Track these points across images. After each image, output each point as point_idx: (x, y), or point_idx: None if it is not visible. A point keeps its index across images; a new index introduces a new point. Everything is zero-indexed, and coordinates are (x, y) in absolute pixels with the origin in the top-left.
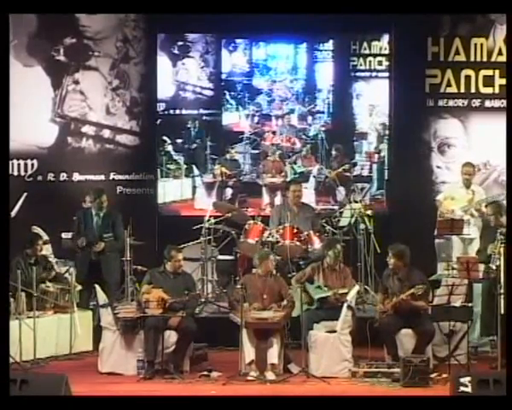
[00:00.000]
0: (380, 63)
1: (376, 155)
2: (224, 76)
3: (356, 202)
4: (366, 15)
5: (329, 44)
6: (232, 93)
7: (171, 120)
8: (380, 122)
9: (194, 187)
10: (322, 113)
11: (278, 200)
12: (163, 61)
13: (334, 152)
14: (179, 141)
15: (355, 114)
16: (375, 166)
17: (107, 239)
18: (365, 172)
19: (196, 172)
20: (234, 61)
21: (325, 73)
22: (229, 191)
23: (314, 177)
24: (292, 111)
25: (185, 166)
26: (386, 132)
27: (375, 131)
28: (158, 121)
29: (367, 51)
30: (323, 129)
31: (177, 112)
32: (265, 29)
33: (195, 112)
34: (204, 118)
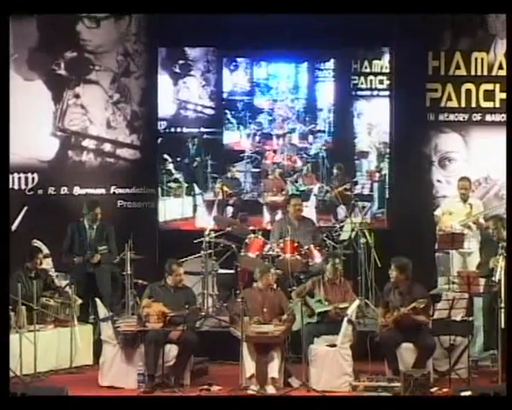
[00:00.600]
0: (381, 82)
1: (377, 174)
2: (225, 95)
3: (355, 215)
4: (366, 31)
5: (330, 64)
6: (233, 112)
7: (172, 139)
8: (380, 141)
9: (194, 205)
10: (323, 132)
11: (279, 217)
12: (164, 79)
13: (335, 171)
14: (180, 159)
15: (356, 133)
16: (375, 185)
17: (102, 251)
18: (366, 191)
19: (197, 190)
20: (235, 80)
21: (326, 93)
22: (229, 210)
23: (315, 195)
24: (293, 130)
25: (186, 184)
26: (387, 151)
27: (376, 149)
28: (159, 139)
29: (368, 70)
30: (324, 148)
31: (178, 130)
32: (266, 47)
33: (196, 130)
34: (205, 136)
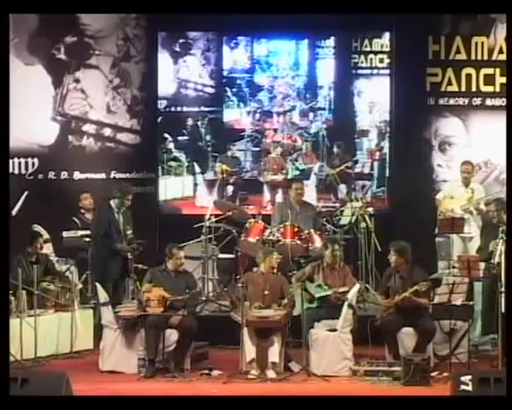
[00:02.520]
0: (381, 61)
1: (378, 153)
2: (225, 73)
3: (357, 200)
4: (366, 16)
5: (331, 41)
6: (233, 90)
7: (172, 118)
8: (381, 120)
9: (195, 184)
10: (324, 109)
11: (279, 197)
12: (164, 58)
13: (335, 149)
14: (180, 138)
15: (356, 112)
16: (376, 164)
17: (130, 237)
18: (366, 170)
19: (198, 169)
20: (235, 57)
21: (326, 70)
22: (230, 189)
23: (315, 174)
24: (293, 108)
25: (186, 163)
26: (388, 130)
27: (376, 128)
28: (159, 119)
29: (368, 49)
30: (324, 126)
31: (179, 109)
32: (266, 26)
33: (196, 109)
34: (205, 115)
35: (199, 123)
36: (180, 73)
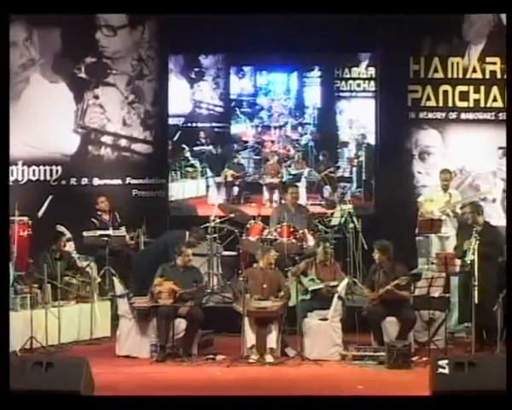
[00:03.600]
0: (358, 85)
1: (356, 160)
2: (233, 96)
3: (345, 203)
4: (352, 39)
5: (316, 72)
6: (240, 109)
7: (188, 131)
8: (358, 133)
9: (207, 186)
10: (310, 125)
11: (276, 196)
12: (182, 83)
13: (321, 157)
14: (195, 149)
15: (338, 127)
16: (354, 169)
17: None
18: (346, 174)
19: (209, 173)
20: (242, 84)
21: (313, 94)
22: (235, 190)
23: (305, 178)
24: (286, 123)
25: (200, 169)
26: (364, 141)
27: (355, 140)
28: (178, 132)
29: (347, 76)
30: (312, 139)
31: (194, 125)
32: (266, 59)
33: (208, 125)
34: (215, 129)
35: (210, 136)
36: (195, 95)
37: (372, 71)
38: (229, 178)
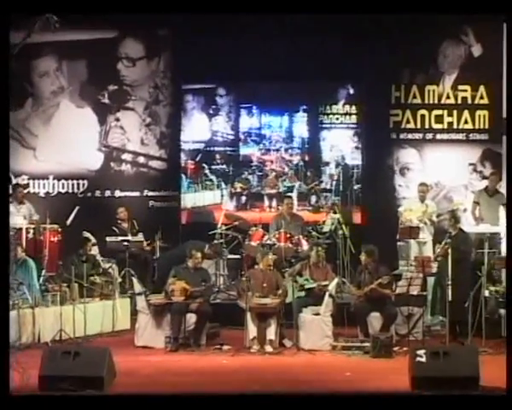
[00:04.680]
0: (337, 119)
1: (335, 176)
2: (242, 129)
3: (335, 212)
4: (343, 71)
5: (304, 112)
6: (247, 137)
7: (207, 154)
8: (337, 155)
9: (221, 195)
10: (300, 149)
11: (274, 203)
12: (203, 117)
13: (308, 174)
14: (213, 167)
15: (322, 151)
16: (334, 183)
17: None
18: (328, 187)
19: (223, 186)
20: (250, 120)
21: (302, 126)
22: (243, 198)
23: (296, 189)
24: (281, 148)
25: (217, 182)
26: (342, 161)
27: (335, 161)
28: (200, 154)
29: (329, 111)
30: (302, 159)
31: (211, 149)
32: (266, 100)
33: (222, 149)
34: (228, 153)
35: (224, 157)
36: (213, 126)
37: (347, 108)
38: (238, 190)
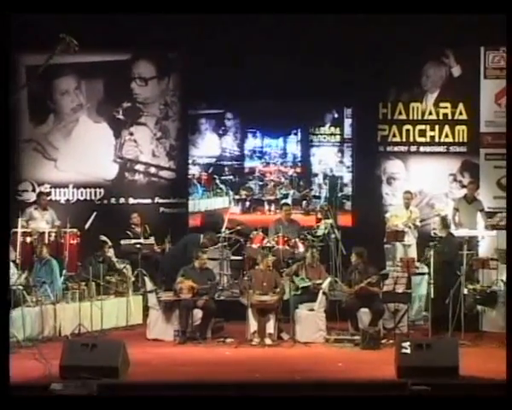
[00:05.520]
0: (324, 138)
1: (324, 185)
2: (247, 146)
3: (327, 218)
4: (337, 92)
5: (297, 136)
6: (251, 153)
7: (218, 167)
8: (325, 168)
9: (229, 201)
10: (294, 163)
11: (272, 207)
12: (214, 137)
13: (300, 183)
14: (222, 177)
15: (311, 164)
16: (323, 191)
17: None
18: (317, 194)
19: (231, 193)
20: (254, 141)
21: (295, 145)
22: (247, 203)
23: (291, 196)
24: (278, 162)
25: (226, 190)
26: (329, 173)
27: (322, 173)
28: (211, 167)
29: (317, 132)
30: (295, 171)
31: (221, 162)
32: (266, 124)
33: (230, 162)
34: (235, 166)
35: (232, 169)
36: (222, 144)
37: (332, 129)
38: (243, 196)
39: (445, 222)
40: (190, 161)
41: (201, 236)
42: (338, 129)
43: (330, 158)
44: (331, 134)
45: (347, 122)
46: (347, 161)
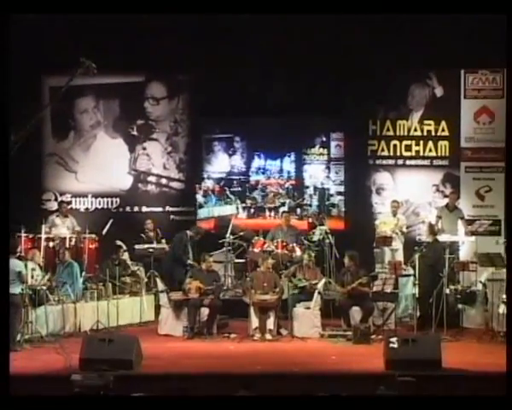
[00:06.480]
0: (314, 157)
1: (314, 196)
2: (253, 164)
3: (321, 224)
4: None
5: (292, 155)
6: (256, 168)
7: (228, 180)
8: (315, 182)
9: (237, 208)
10: (288, 177)
11: (272, 213)
12: (225, 157)
13: (295, 194)
14: (231, 189)
15: (304, 178)
16: (313, 200)
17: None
18: (308, 202)
19: (238, 202)
20: (259, 160)
21: (290, 164)
22: (252, 210)
23: (287, 204)
24: (277, 176)
25: (234, 199)
26: (318, 186)
27: (313, 185)
28: (222, 181)
29: (308, 153)
30: (290, 184)
31: (230, 177)
32: (268, 146)
33: (238, 177)
34: (241, 180)
35: (239, 183)
36: (231, 162)
37: (321, 150)
38: (248, 204)
39: (431, 229)
40: (206, 176)
41: (187, 232)
42: (325, 150)
43: (319, 173)
44: (320, 154)
45: (333, 144)
46: (336, 175)
